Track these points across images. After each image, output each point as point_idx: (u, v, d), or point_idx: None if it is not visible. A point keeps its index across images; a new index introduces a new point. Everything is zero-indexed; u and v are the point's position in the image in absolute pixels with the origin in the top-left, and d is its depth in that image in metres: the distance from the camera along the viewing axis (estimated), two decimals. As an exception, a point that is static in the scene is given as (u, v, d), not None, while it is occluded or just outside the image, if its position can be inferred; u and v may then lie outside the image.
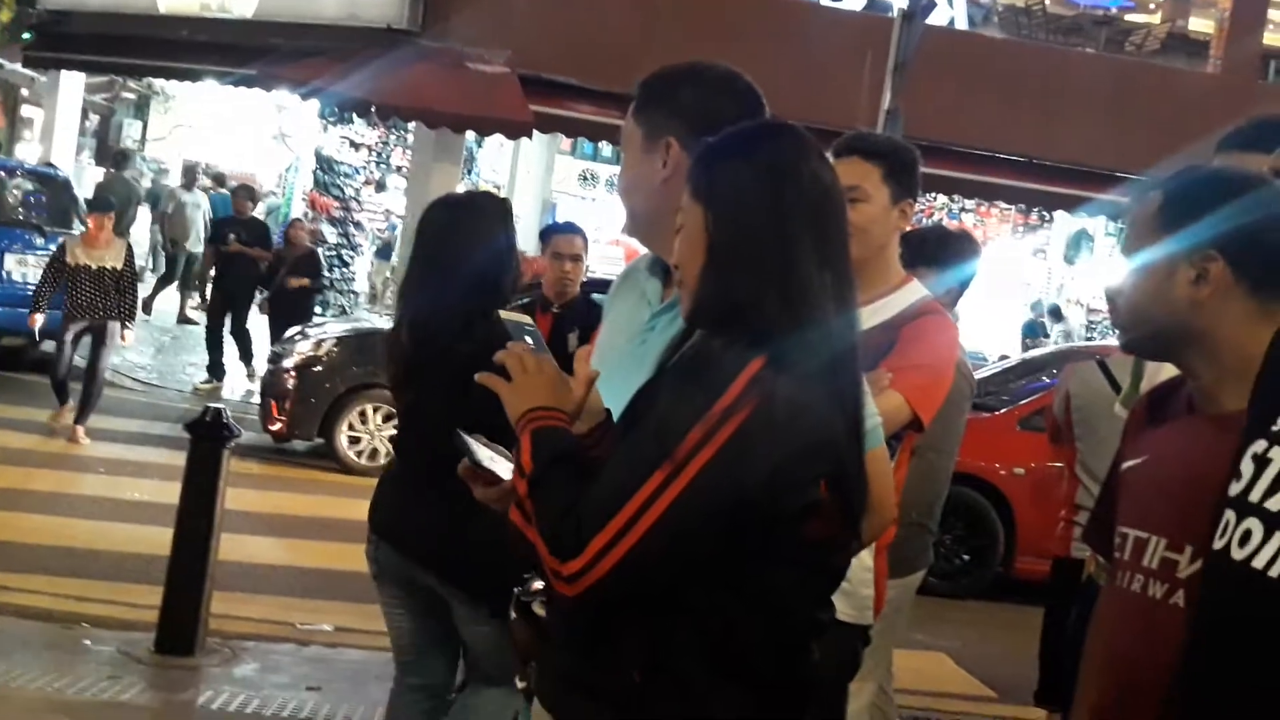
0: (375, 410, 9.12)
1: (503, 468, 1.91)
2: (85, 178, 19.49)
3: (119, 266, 8.79)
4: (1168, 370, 2.07)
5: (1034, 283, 18.66)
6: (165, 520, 5.15)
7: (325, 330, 10.11)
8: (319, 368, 9.21)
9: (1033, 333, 16.83)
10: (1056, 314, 17.18)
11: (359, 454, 9.10)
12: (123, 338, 8.90)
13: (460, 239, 3.40)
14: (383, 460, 8.97)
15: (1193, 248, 1.83)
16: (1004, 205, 16.59)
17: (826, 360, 1.74)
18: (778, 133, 1.85)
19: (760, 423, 1.64)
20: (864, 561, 2.82)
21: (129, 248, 9.08)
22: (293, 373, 9.10)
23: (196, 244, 16.00)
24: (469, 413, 2.17)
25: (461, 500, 2.29)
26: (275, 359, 9.55)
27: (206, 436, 4.97)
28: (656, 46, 11.24)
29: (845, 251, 1.83)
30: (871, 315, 2.81)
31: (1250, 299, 1.81)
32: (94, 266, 8.71)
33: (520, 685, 2.14)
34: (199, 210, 16.51)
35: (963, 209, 17.70)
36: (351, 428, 9.11)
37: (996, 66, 14.00)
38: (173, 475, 5.75)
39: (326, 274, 14.71)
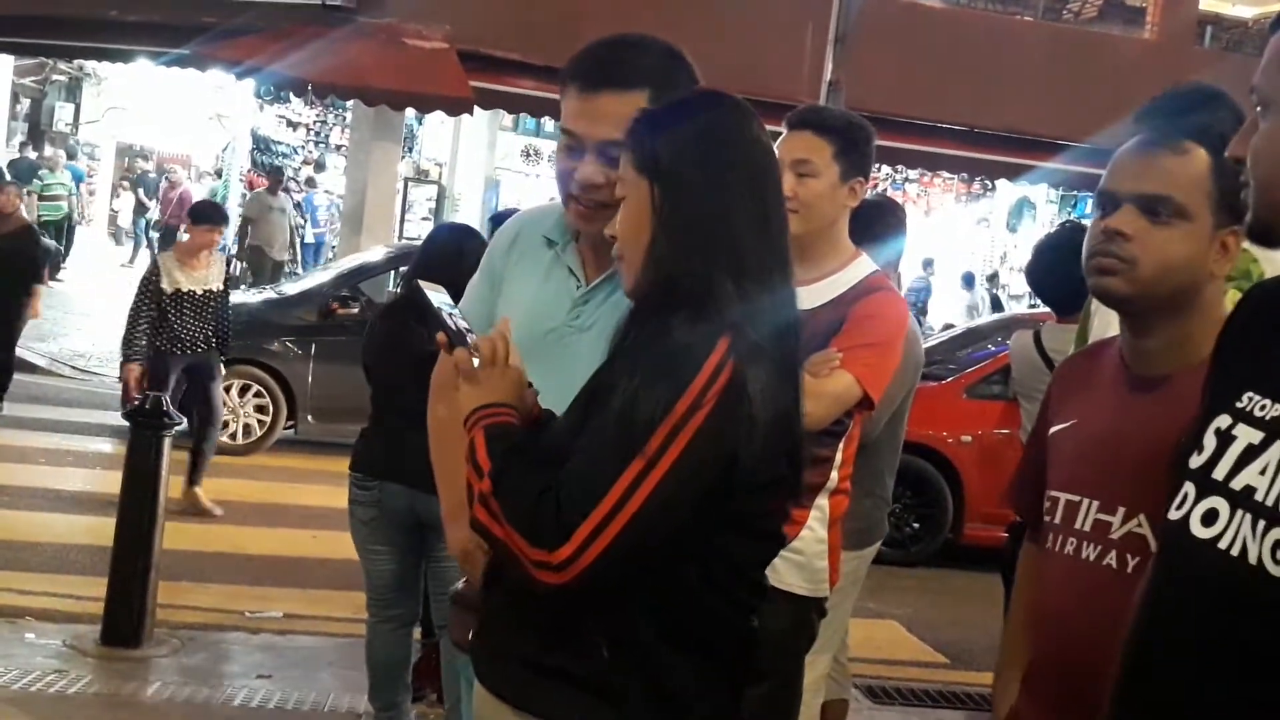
0: (243, 390, 8.88)
1: (456, 322, 1.88)
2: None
3: (219, 289, 7.26)
4: (1113, 332, 2.07)
5: (979, 251, 18.84)
6: (107, 511, 5.06)
7: None
8: None
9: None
10: (970, 281, 17.34)
11: (231, 436, 8.76)
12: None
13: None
14: (256, 437, 8.95)
15: (1230, 220, 1.85)
16: (947, 175, 16.70)
17: (777, 334, 1.75)
18: (719, 101, 1.83)
19: (730, 405, 1.65)
20: (818, 534, 2.83)
21: (226, 264, 7.76)
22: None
23: (282, 252, 15.57)
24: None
25: None
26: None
27: (147, 424, 4.88)
28: (595, 18, 11.17)
29: (785, 223, 1.83)
30: (821, 292, 2.81)
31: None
32: (198, 291, 7.13)
33: None
34: (285, 215, 15.86)
35: (906, 179, 17.80)
36: None
37: (937, 35, 14.05)
38: (114, 464, 5.66)
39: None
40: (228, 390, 8.53)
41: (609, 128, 2.00)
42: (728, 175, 1.76)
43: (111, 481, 5.18)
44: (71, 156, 20.78)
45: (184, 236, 8.27)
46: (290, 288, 10.48)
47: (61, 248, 17.31)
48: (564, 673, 1.72)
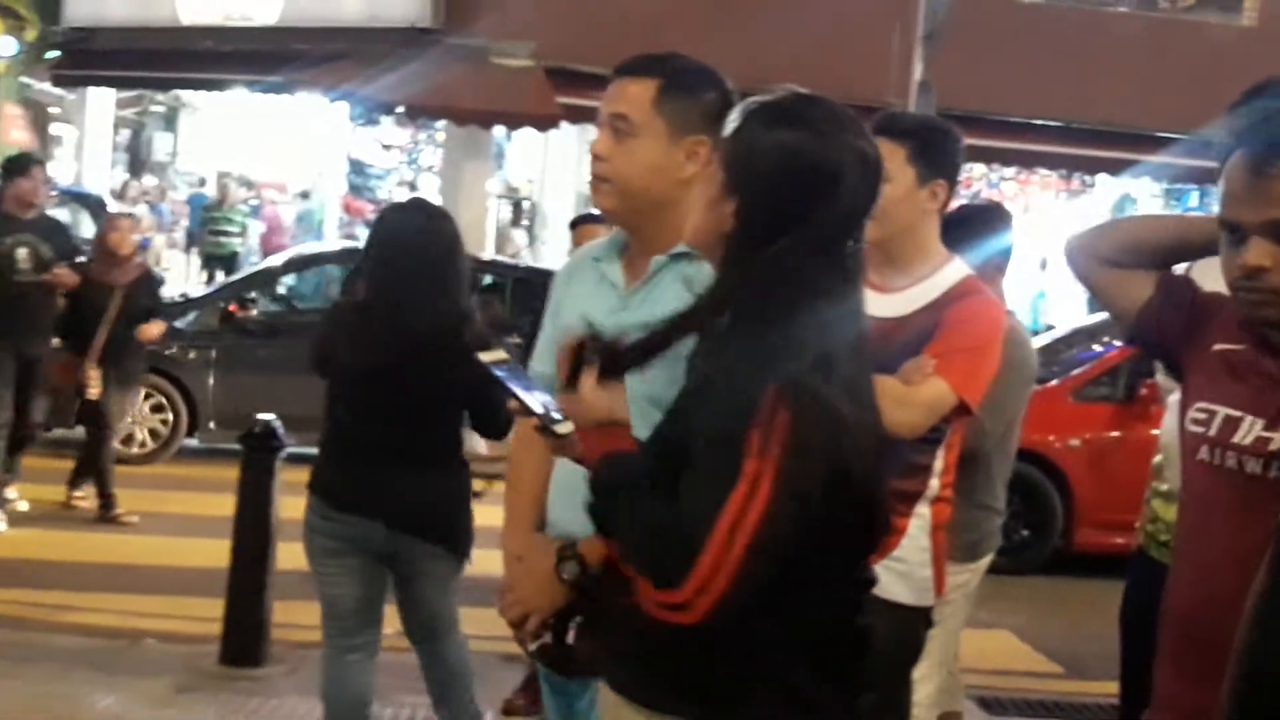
0: (144, 397, 8.72)
1: (534, 400, 1.91)
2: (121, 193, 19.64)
3: None
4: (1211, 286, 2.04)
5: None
6: (223, 533, 5.18)
7: None
8: None
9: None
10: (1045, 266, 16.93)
11: (127, 442, 8.59)
12: None
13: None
14: (150, 448, 8.78)
15: None
16: (1044, 172, 16.43)
17: (847, 346, 1.77)
18: (811, 110, 1.83)
19: (808, 412, 1.67)
20: (919, 542, 2.81)
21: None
22: None
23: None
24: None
25: (435, 467, 3.60)
26: None
27: (259, 447, 4.99)
28: (680, 28, 11.21)
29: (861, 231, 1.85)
30: (913, 298, 2.79)
31: None
32: None
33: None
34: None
35: (1002, 178, 17.54)
36: None
37: (1028, 30, 13.84)
38: (225, 488, 5.80)
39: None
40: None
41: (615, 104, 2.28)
42: (809, 188, 1.76)
43: (226, 504, 5.30)
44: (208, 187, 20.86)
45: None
46: (194, 292, 10.58)
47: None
48: (687, 673, 1.75)
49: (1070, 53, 13.53)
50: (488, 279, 10.00)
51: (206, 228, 16.85)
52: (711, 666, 1.73)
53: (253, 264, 16.06)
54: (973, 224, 3.60)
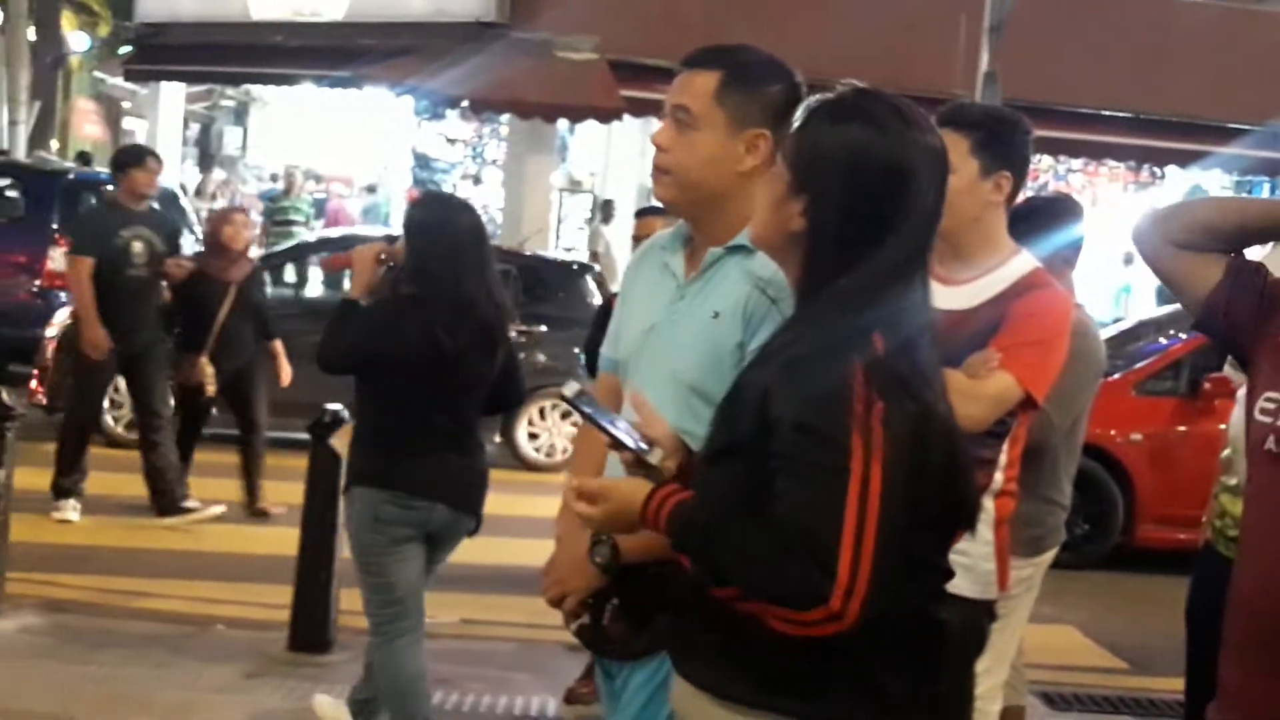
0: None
1: (623, 434, 1.94)
2: (190, 187, 19.95)
3: None
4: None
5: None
6: (291, 521, 5.27)
7: None
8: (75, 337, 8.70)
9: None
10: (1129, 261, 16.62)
11: (120, 423, 8.50)
12: None
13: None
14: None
15: None
16: (1112, 164, 16.20)
17: (918, 337, 1.78)
18: (873, 106, 1.83)
19: (898, 398, 1.69)
20: (983, 535, 2.80)
21: None
22: (52, 342, 8.48)
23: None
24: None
25: (480, 445, 4.01)
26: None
27: (328, 436, 5.06)
28: (745, 20, 11.20)
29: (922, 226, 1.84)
30: (979, 290, 2.78)
31: None
32: None
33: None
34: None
35: (1069, 170, 17.32)
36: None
37: (1096, 20, 13.66)
38: (293, 476, 5.89)
39: None
40: (118, 386, 8.04)
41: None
42: (879, 186, 1.77)
43: (294, 493, 5.39)
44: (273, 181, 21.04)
45: None
46: None
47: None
48: (762, 663, 1.76)
49: (1140, 43, 13.35)
50: (527, 270, 10.06)
51: (272, 218, 16.92)
52: (789, 660, 1.73)
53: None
54: (1040, 216, 3.58)
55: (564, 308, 9.40)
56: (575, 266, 10.50)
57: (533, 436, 9.27)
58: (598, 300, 9.53)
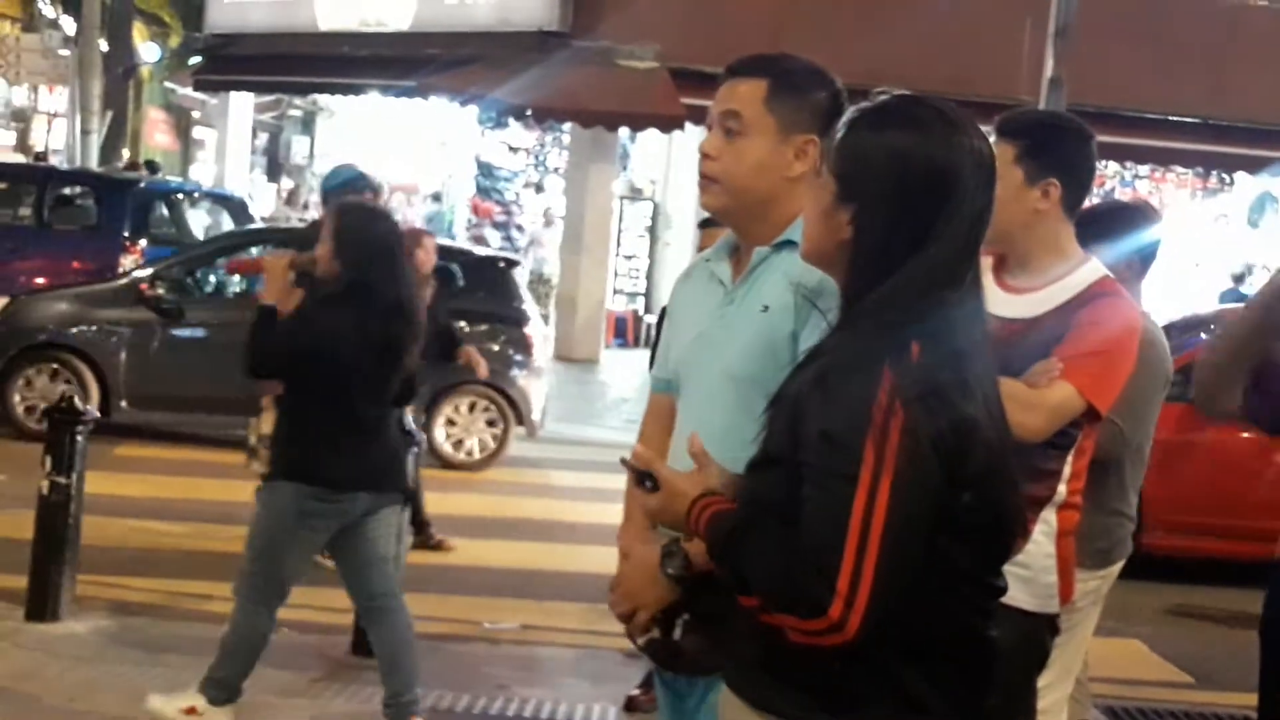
0: (44, 374, 8.71)
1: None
2: (259, 194, 20.22)
3: None
4: None
5: (1217, 249, 17.86)
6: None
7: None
8: None
9: (1238, 300, 16.01)
10: (1240, 279, 16.36)
11: (30, 413, 8.58)
12: None
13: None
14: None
15: None
16: (1180, 170, 15.98)
17: (964, 346, 1.76)
18: (918, 112, 1.83)
19: (926, 411, 1.67)
20: (1044, 548, 2.78)
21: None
22: None
23: None
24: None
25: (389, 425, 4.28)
26: None
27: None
28: (806, 27, 11.18)
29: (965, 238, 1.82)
30: (1043, 300, 2.76)
31: None
32: None
33: None
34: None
35: (1136, 176, 17.10)
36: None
37: (1163, 25, 13.49)
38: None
39: None
40: (30, 382, 8.67)
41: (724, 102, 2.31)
42: (925, 194, 1.76)
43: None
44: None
45: None
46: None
47: None
48: (802, 677, 1.75)
49: (1207, 47, 13.16)
50: (449, 266, 9.87)
51: None
52: (830, 673, 1.72)
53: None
54: (1103, 222, 3.54)
55: (488, 303, 9.17)
56: (502, 263, 10.16)
57: (450, 433, 9.01)
58: (526, 297, 9.41)
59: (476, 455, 9.04)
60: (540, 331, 9.52)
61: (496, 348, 8.94)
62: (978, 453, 1.71)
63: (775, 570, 1.68)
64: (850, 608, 1.63)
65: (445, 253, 10.25)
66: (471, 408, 9.03)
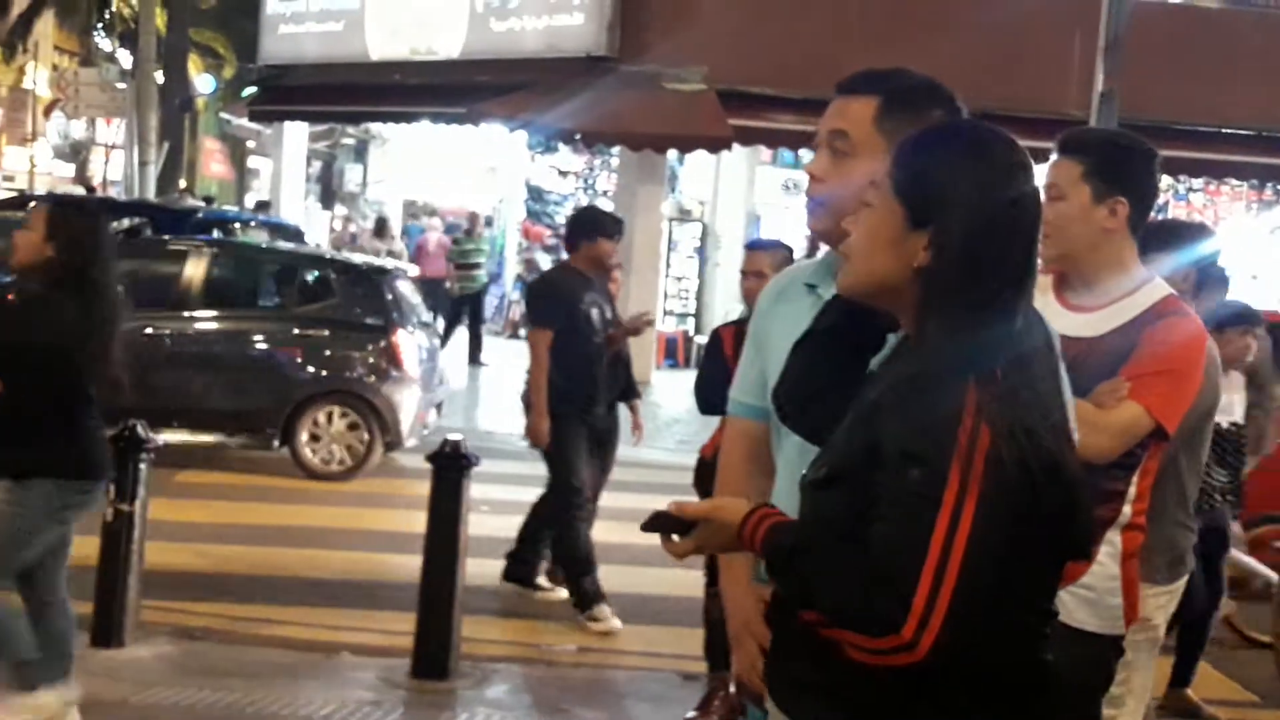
0: None
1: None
2: (313, 223, 20.44)
3: None
4: None
5: (1274, 261, 17.61)
6: (412, 548, 5.37)
7: None
8: None
9: None
10: None
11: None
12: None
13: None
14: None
15: None
16: (1234, 183, 15.80)
17: (1029, 365, 1.75)
18: (975, 134, 1.83)
19: (1006, 438, 1.66)
20: (1109, 570, 2.75)
21: None
22: None
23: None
24: None
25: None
26: None
27: (449, 466, 5.16)
28: (852, 49, 11.17)
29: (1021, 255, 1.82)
30: (1107, 319, 2.74)
31: None
32: None
33: None
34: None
35: (1190, 189, 16.92)
36: None
37: (1214, 37, 13.39)
38: (414, 504, 6.00)
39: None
40: None
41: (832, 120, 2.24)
42: (1000, 217, 1.76)
43: (413, 520, 5.49)
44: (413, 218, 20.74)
45: None
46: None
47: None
48: (853, 698, 1.74)
49: (1259, 59, 13.03)
50: (316, 274, 9.84)
51: (458, 260, 15.76)
52: (879, 695, 1.72)
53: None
54: (1177, 234, 3.53)
55: (354, 312, 9.10)
56: (364, 267, 10.05)
57: (314, 441, 8.91)
58: (402, 307, 9.25)
59: (335, 467, 8.91)
60: (411, 342, 9.22)
61: (359, 356, 8.95)
62: (1054, 477, 1.71)
63: (846, 585, 1.68)
64: (924, 627, 1.62)
65: (312, 261, 10.27)
66: (330, 418, 8.93)
